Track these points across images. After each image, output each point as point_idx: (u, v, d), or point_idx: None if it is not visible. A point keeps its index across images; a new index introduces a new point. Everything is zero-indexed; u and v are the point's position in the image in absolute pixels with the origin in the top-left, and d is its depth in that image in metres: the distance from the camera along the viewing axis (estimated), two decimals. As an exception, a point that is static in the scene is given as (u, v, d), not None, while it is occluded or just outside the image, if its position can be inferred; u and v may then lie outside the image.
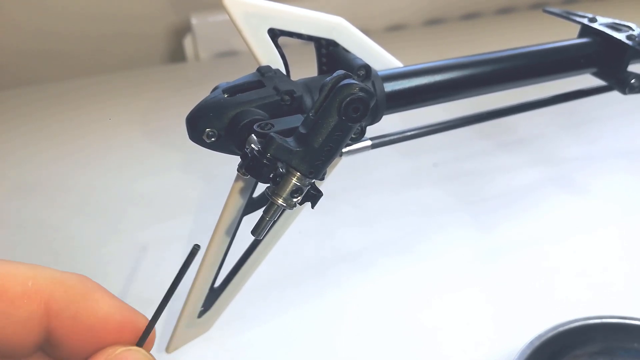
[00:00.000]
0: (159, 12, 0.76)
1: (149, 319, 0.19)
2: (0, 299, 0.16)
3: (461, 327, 0.36)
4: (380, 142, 0.33)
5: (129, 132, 0.61)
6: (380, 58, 0.33)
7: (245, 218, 0.31)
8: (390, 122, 0.35)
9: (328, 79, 0.23)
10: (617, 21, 0.39)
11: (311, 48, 0.32)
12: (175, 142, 0.58)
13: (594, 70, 0.39)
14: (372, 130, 0.32)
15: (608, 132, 0.58)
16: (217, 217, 0.30)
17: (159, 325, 0.21)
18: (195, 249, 0.19)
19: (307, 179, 0.24)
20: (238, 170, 0.27)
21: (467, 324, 0.36)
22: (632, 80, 0.37)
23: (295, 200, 0.24)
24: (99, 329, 0.18)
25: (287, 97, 0.27)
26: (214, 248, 0.31)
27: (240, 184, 0.29)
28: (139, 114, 0.64)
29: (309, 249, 0.43)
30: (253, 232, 0.25)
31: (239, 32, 0.29)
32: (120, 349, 0.18)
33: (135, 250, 0.43)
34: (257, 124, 0.25)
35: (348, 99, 0.22)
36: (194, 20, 0.75)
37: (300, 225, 0.34)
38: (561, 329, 0.31)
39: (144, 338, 0.19)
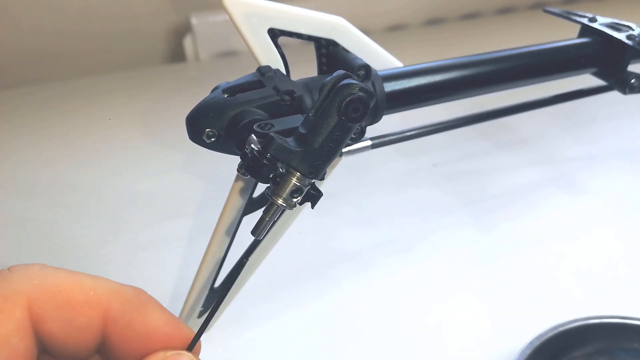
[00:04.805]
0: (159, 11, 0.76)
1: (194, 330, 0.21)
2: (65, 307, 0.18)
3: (461, 327, 0.36)
4: (380, 142, 0.33)
5: (129, 132, 0.61)
6: (380, 58, 0.33)
7: (245, 218, 0.31)
8: (390, 122, 0.35)
9: (328, 79, 0.23)
10: (617, 21, 0.39)
11: (311, 48, 0.32)
12: (175, 142, 0.58)
13: (594, 70, 0.39)
14: (372, 130, 0.32)
15: (608, 132, 0.58)
16: (217, 217, 0.30)
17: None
18: (243, 262, 0.20)
19: (307, 179, 0.24)
20: (238, 170, 0.27)
21: (467, 323, 0.36)
22: (632, 80, 0.37)
23: (295, 200, 0.24)
24: (149, 337, 0.19)
25: (287, 97, 0.27)
26: (214, 248, 0.31)
27: (240, 184, 0.29)
28: (139, 114, 0.64)
29: (309, 249, 0.43)
30: (253, 232, 0.25)
31: (239, 32, 0.29)
32: (170, 352, 0.20)
33: (135, 250, 0.43)
34: (257, 124, 0.25)
35: (348, 99, 0.22)
36: (194, 20, 0.75)
37: (300, 225, 0.34)
38: (561, 329, 0.31)
39: (192, 344, 0.20)
